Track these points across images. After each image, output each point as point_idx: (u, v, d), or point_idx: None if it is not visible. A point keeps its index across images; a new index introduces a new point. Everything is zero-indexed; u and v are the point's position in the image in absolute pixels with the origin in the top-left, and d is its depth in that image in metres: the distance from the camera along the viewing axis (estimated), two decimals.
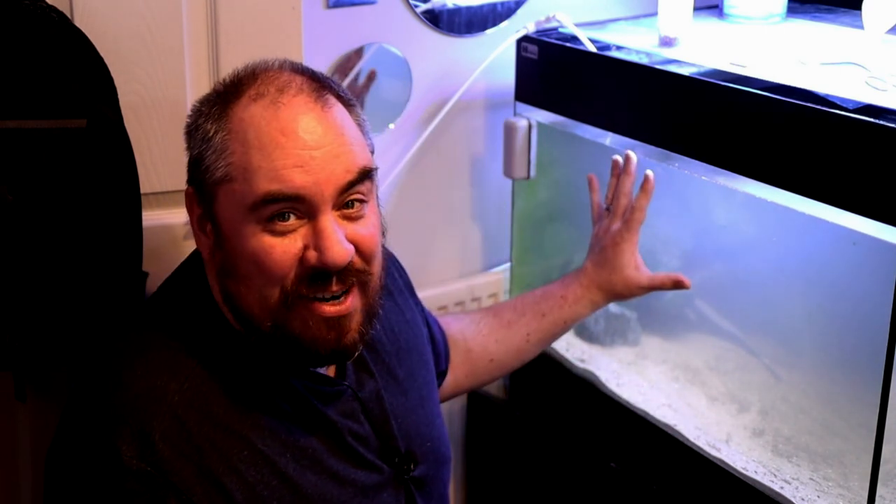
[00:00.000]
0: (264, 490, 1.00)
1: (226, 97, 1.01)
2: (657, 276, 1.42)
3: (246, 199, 0.97)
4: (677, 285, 1.40)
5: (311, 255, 0.98)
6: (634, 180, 1.42)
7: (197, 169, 1.02)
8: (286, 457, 1.02)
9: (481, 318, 1.43)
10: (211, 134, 1.00)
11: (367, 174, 1.01)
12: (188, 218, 1.07)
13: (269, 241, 0.97)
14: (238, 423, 1.00)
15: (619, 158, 1.43)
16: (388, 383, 1.16)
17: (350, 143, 1.00)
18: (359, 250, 1.00)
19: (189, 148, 1.04)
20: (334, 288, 0.99)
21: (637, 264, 1.42)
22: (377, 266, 1.04)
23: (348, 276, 1.00)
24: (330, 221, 0.98)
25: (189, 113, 1.06)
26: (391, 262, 1.29)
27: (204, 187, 1.01)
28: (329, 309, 1.00)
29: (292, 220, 0.98)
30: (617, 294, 1.43)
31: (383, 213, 1.08)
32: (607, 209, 1.44)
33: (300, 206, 0.97)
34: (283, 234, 0.98)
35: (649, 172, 1.39)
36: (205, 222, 1.03)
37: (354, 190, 1.00)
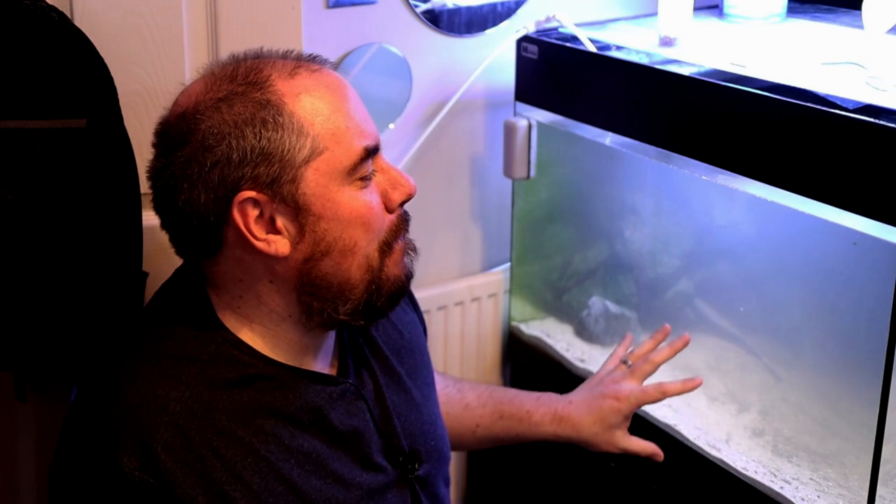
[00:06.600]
0: (269, 497, 0.99)
1: (248, 90, 0.97)
2: (639, 444, 1.35)
3: (343, 162, 0.98)
4: (651, 458, 1.35)
5: (394, 195, 1.03)
6: (669, 359, 1.35)
7: (266, 163, 0.95)
8: (290, 462, 1.01)
9: (445, 385, 1.38)
10: (271, 121, 0.95)
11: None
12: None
13: (366, 197, 1.00)
14: (241, 429, 0.99)
15: (669, 327, 1.38)
16: (389, 381, 1.16)
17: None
18: None
19: (224, 156, 0.95)
20: (407, 228, 1.06)
21: (625, 428, 1.35)
22: None
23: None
24: (386, 160, 1.04)
25: (197, 129, 0.96)
26: None
27: (280, 180, 0.96)
28: (402, 243, 1.06)
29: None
30: (587, 441, 1.34)
31: None
32: (624, 362, 1.37)
33: (374, 157, 1.02)
34: (367, 189, 1.01)
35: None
36: (273, 222, 0.97)
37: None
